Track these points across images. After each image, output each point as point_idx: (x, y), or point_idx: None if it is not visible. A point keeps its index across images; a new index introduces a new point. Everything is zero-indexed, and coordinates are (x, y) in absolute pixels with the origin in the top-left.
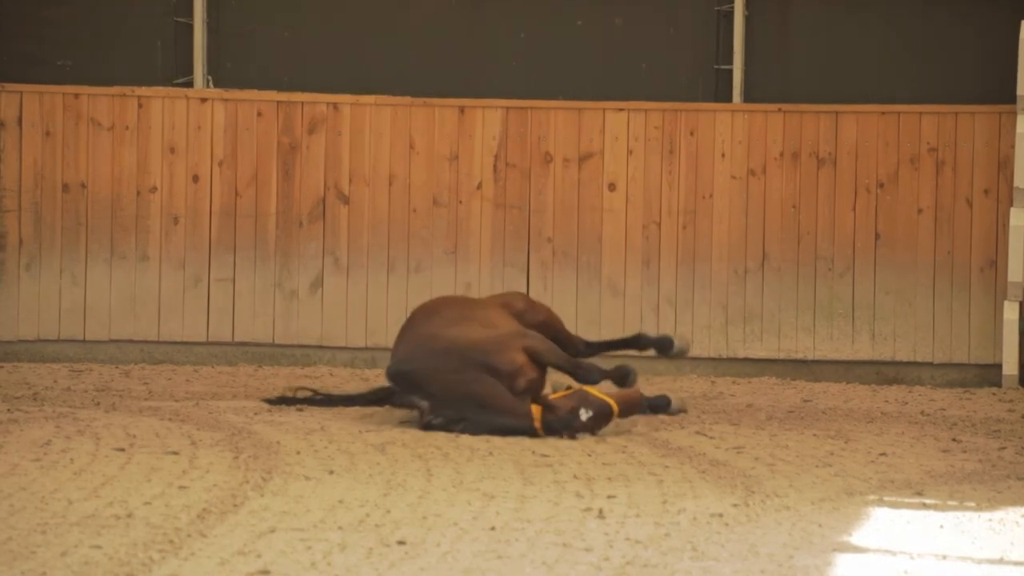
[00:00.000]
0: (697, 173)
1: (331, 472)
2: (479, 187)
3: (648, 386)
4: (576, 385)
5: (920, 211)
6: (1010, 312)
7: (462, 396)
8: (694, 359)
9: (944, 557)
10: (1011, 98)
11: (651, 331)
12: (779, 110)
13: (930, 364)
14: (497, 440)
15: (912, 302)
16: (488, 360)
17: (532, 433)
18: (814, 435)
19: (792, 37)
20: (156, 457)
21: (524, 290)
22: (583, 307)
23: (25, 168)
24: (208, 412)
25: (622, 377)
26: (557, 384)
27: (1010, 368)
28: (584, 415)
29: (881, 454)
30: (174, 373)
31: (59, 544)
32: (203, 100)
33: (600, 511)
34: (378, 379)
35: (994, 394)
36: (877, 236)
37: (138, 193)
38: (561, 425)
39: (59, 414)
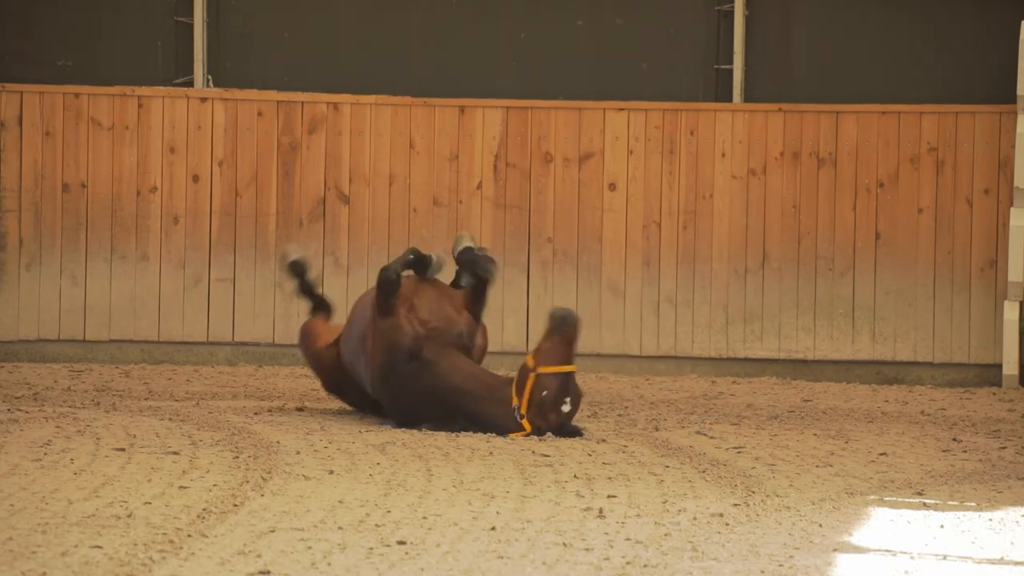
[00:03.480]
0: (697, 173)
1: (331, 472)
2: (479, 187)
3: (649, 386)
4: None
5: (920, 211)
6: (1010, 312)
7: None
8: (695, 359)
9: (944, 557)
10: (1011, 98)
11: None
12: (779, 110)
13: (930, 364)
14: (497, 440)
15: (912, 302)
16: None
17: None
18: (814, 435)
19: (792, 37)
20: (156, 457)
21: (524, 290)
22: (583, 307)
23: (25, 168)
24: (208, 412)
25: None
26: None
27: (1010, 368)
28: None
29: (881, 454)
30: (174, 373)
31: (59, 544)
32: (203, 100)
33: (600, 511)
34: None
35: (994, 394)
36: (877, 236)
37: (138, 193)
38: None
39: (59, 414)
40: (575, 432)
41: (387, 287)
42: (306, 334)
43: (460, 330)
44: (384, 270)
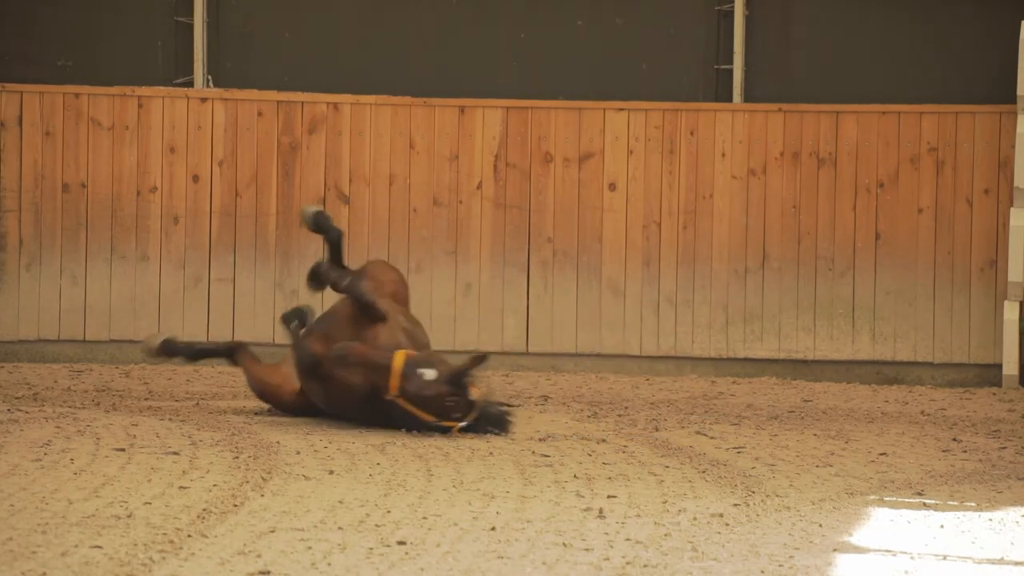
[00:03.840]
0: (697, 173)
1: (331, 472)
2: (479, 187)
3: (649, 386)
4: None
5: (920, 211)
6: (1010, 312)
7: None
8: (695, 359)
9: (944, 557)
10: (1011, 98)
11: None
12: (779, 110)
13: (930, 364)
14: (498, 440)
15: (912, 302)
16: None
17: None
18: (814, 435)
19: (792, 37)
20: (156, 457)
21: (524, 290)
22: (583, 307)
23: (25, 168)
24: (208, 412)
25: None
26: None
27: (1010, 368)
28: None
29: (881, 454)
30: (174, 373)
31: (59, 544)
32: (203, 100)
33: (600, 511)
34: None
35: (994, 394)
36: (877, 236)
37: (138, 193)
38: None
39: (59, 414)
40: (464, 369)
41: (311, 370)
42: (265, 393)
43: (383, 340)
44: (299, 350)
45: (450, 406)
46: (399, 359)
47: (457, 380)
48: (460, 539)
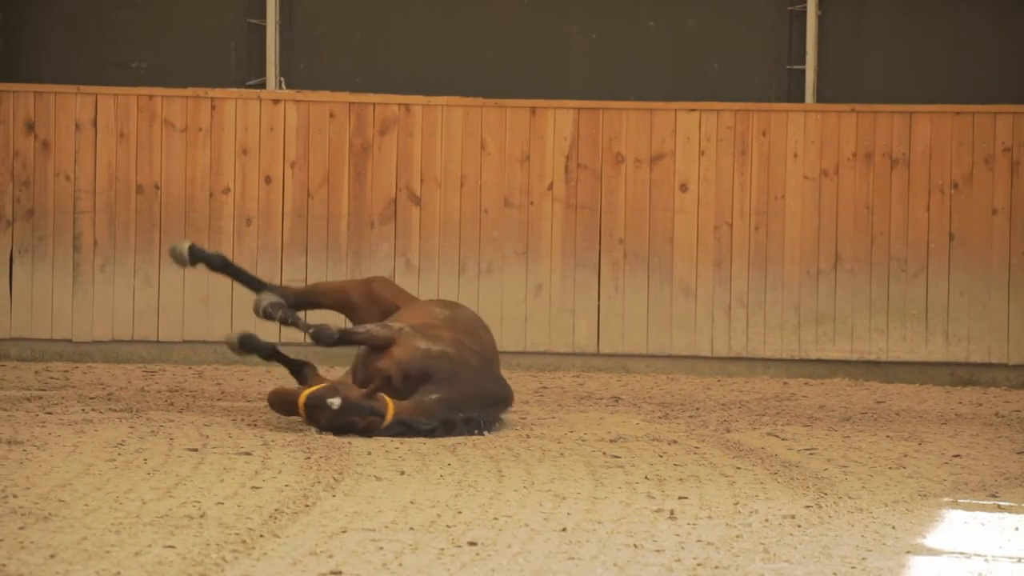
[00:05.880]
0: (769, 174)
1: (402, 473)
2: (550, 188)
3: (720, 387)
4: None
5: (995, 212)
6: None
7: None
8: (766, 360)
9: (1019, 560)
10: None
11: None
12: (852, 110)
13: (1005, 366)
14: (568, 442)
15: (986, 303)
16: None
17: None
18: (887, 437)
19: (865, 37)
20: (229, 457)
21: (595, 291)
22: (654, 308)
23: (100, 169)
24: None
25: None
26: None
27: None
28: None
29: (955, 456)
30: (247, 374)
31: (133, 544)
32: (276, 101)
33: (671, 512)
34: None
35: None
36: (951, 237)
37: (211, 194)
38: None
39: (133, 414)
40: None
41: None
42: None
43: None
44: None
45: (365, 426)
46: (303, 396)
47: (359, 405)
48: (531, 540)
